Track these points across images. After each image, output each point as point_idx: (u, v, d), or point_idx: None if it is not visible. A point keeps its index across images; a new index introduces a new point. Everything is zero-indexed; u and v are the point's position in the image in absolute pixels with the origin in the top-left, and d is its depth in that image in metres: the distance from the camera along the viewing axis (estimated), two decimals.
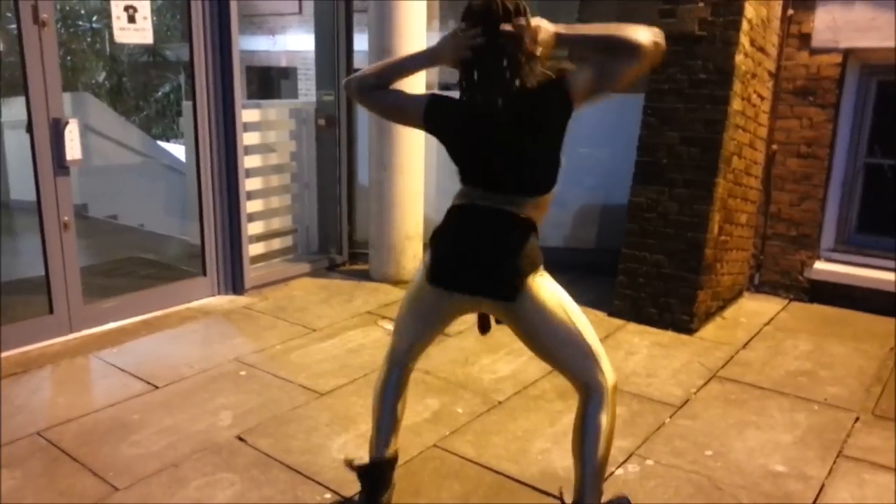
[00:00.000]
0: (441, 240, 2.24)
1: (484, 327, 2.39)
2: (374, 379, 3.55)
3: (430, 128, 2.27)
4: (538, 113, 2.09)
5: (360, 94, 2.32)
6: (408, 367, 2.47)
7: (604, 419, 2.20)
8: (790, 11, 4.72)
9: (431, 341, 2.47)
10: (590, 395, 2.22)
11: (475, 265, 2.17)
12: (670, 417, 3.27)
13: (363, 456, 2.52)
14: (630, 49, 2.01)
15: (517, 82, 2.07)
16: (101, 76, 12.10)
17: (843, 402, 3.44)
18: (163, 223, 7.14)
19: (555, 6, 6.64)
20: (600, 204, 5.64)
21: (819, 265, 4.91)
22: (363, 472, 2.46)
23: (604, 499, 2.30)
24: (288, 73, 12.43)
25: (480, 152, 2.17)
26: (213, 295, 4.78)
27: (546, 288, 2.19)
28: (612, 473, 2.79)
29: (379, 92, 2.28)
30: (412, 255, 5.20)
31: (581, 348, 2.22)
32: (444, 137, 2.24)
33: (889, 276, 4.67)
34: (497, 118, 2.10)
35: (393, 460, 2.48)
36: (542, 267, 2.20)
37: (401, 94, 2.30)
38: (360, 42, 5.31)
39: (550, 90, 2.09)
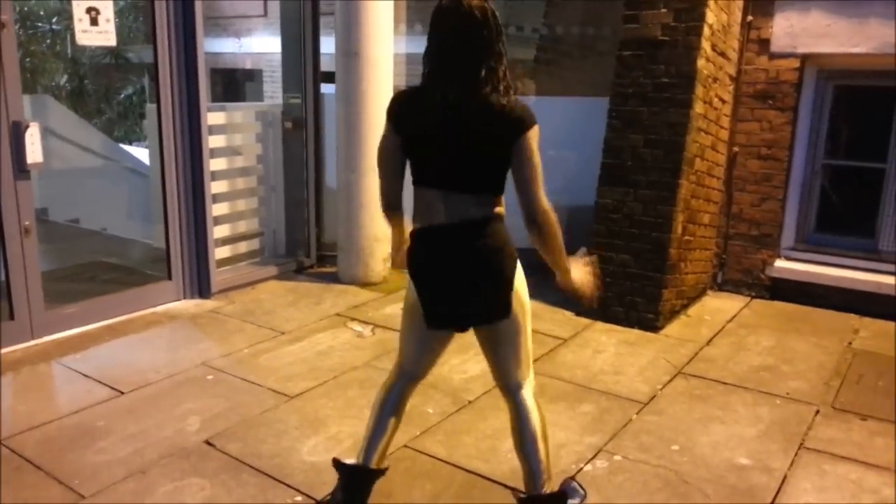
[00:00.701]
0: (422, 278, 2.22)
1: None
2: (345, 381, 3.57)
3: (395, 128, 2.20)
4: (496, 127, 2.08)
5: (391, 209, 2.36)
6: (416, 380, 2.45)
7: (537, 417, 2.31)
8: (750, 17, 4.84)
9: (436, 358, 2.44)
10: (525, 397, 2.31)
11: (468, 301, 2.19)
12: (637, 414, 3.32)
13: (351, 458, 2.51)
14: (525, 218, 2.14)
15: (492, 86, 2.07)
16: (62, 79, 11.87)
17: (804, 395, 3.53)
18: (126, 227, 7.02)
19: (522, 6, 6.72)
20: (567, 205, 5.68)
21: (780, 263, 5.03)
22: (345, 471, 2.44)
23: (555, 487, 2.39)
24: (253, 76, 12.32)
25: (436, 146, 2.13)
26: (179, 299, 4.72)
27: (519, 292, 2.24)
28: (580, 469, 2.83)
29: (387, 196, 2.34)
30: (380, 258, 5.20)
31: (527, 354, 2.33)
32: (402, 132, 2.19)
33: (846, 273, 4.81)
34: (459, 112, 2.07)
35: (377, 473, 2.44)
36: (516, 258, 2.23)
37: (381, 157, 2.29)
38: (327, 44, 5.30)
39: (516, 116, 2.08)
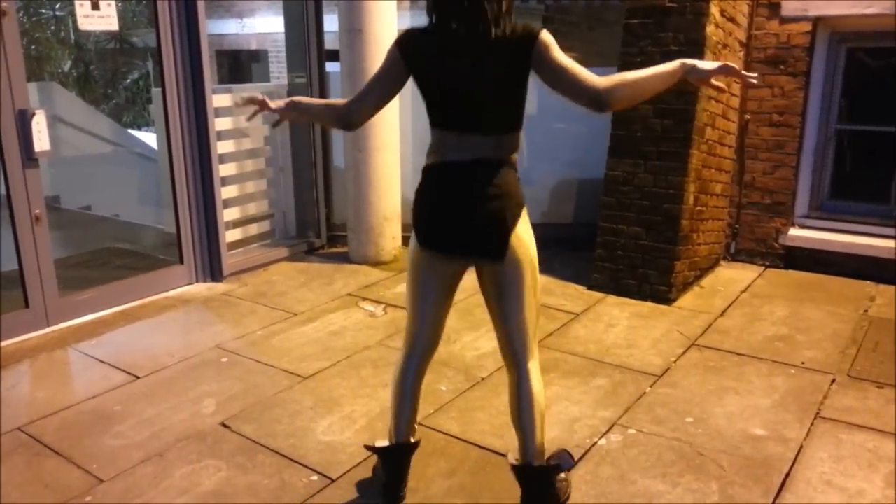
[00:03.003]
0: (426, 203, 2.23)
1: None
2: (358, 360, 3.58)
3: (410, 68, 2.18)
4: (503, 52, 2.08)
5: (355, 125, 2.32)
6: (428, 352, 2.43)
7: (540, 391, 2.31)
8: None
9: (445, 316, 2.41)
10: (527, 366, 2.30)
11: (466, 228, 2.18)
12: (651, 387, 3.31)
13: (382, 440, 2.53)
14: (596, 107, 2.09)
15: (494, 18, 2.06)
16: (68, 65, 11.87)
17: (819, 364, 3.51)
18: (137, 212, 7.04)
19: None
20: (576, 178, 5.66)
21: (793, 232, 4.97)
22: (381, 453, 2.47)
23: (547, 456, 2.40)
24: (259, 56, 12.27)
25: (452, 84, 2.13)
26: (192, 283, 4.75)
27: (525, 243, 2.22)
28: (595, 444, 2.83)
29: (360, 103, 2.28)
30: (391, 236, 5.19)
31: (533, 318, 2.30)
32: (417, 71, 2.18)
33: (861, 240, 4.75)
34: (470, 50, 2.08)
35: (413, 446, 2.48)
36: (524, 207, 2.23)
37: (372, 81, 2.26)
38: (331, 22, 5.25)
39: (519, 34, 2.08)
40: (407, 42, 2.18)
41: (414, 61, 2.17)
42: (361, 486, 2.60)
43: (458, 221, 2.18)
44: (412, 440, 2.47)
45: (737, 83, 4.78)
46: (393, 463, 2.48)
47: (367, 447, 2.52)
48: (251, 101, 2.35)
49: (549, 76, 2.10)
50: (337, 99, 2.33)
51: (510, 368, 2.35)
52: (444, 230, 2.21)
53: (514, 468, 2.35)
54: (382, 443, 2.49)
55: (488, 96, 2.12)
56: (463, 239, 2.20)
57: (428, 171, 2.24)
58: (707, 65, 2.10)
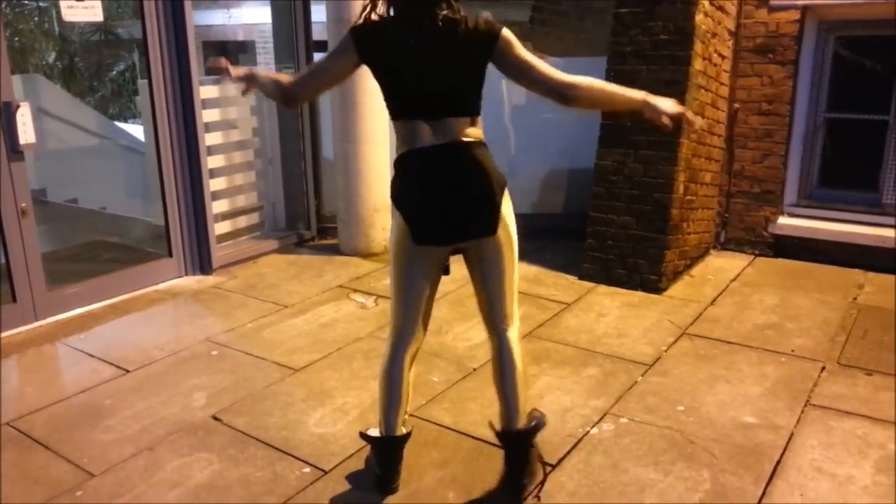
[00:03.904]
0: (410, 198, 2.23)
1: (447, 269, 2.42)
2: (349, 352, 3.58)
3: (366, 59, 2.23)
4: (466, 44, 2.15)
5: (293, 103, 2.41)
6: (415, 342, 2.43)
7: (521, 358, 2.41)
8: None
9: (432, 303, 2.43)
10: (511, 338, 2.40)
11: (457, 214, 2.21)
12: (642, 376, 3.32)
13: (374, 428, 2.56)
14: (560, 99, 2.19)
15: (443, 7, 2.13)
16: (52, 57, 11.73)
17: (809, 352, 3.53)
18: (125, 205, 6.99)
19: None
20: (566, 168, 5.66)
21: (783, 220, 4.99)
22: (374, 442, 2.50)
23: (525, 423, 2.48)
24: (246, 47, 12.16)
25: (413, 74, 2.17)
26: (181, 276, 4.72)
27: (507, 224, 2.30)
28: (587, 433, 2.84)
29: (302, 84, 2.35)
30: (381, 227, 5.18)
31: (513, 293, 2.40)
32: (376, 65, 2.22)
33: (850, 228, 4.77)
34: (427, 40, 2.13)
35: (404, 438, 2.48)
36: (505, 186, 2.29)
37: (320, 60, 2.32)
38: (318, 12, 5.21)
39: (483, 28, 2.15)
40: (364, 34, 2.21)
41: (372, 53, 2.21)
42: (354, 477, 2.59)
43: (449, 209, 2.20)
44: (404, 431, 2.47)
45: (725, 72, 4.79)
46: (385, 454, 2.48)
47: (362, 434, 2.54)
48: (216, 63, 2.42)
49: (512, 71, 2.21)
50: (284, 75, 2.39)
51: (492, 336, 2.43)
52: (437, 223, 2.22)
53: (500, 435, 2.44)
54: (375, 432, 2.50)
55: (455, 82, 2.19)
56: (457, 225, 2.22)
57: (404, 161, 2.24)
58: (664, 104, 2.21)
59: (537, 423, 2.56)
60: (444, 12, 2.13)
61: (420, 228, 2.23)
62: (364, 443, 2.63)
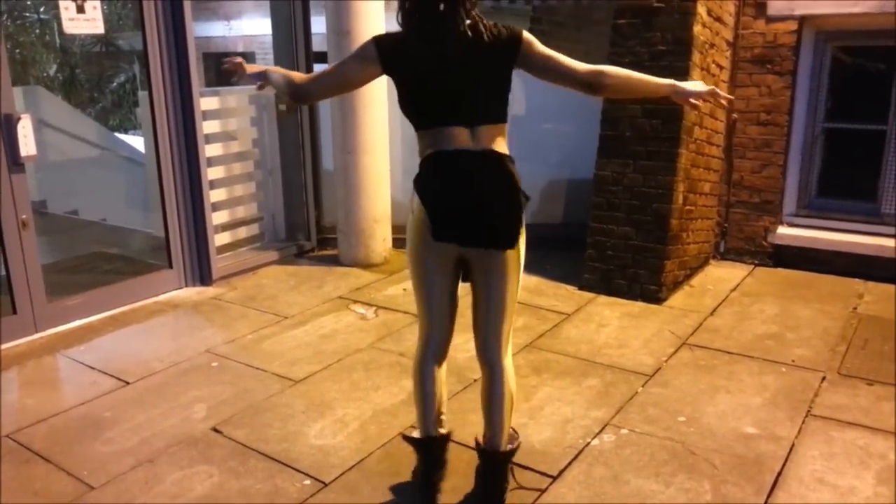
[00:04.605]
0: (439, 192, 2.21)
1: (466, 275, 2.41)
2: (349, 364, 3.57)
3: (389, 71, 2.23)
4: (491, 51, 2.18)
5: (302, 99, 2.41)
6: (444, 343, 2.44)
7: (513, 383, 2.42)
8: None
9: (456, 302, 2.42)
10: (506, 364, 2.40)
11: (481, 219, 2.21)
12: (643, 386, 3.32)
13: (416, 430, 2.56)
14: (589, 89, 2.27)
15: (465, 17, 2.15)
16: (53, 69, 11.77)
17: (809, 362, 3.53)
18: (125, 216, 6.99)
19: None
20: (566, 179, 5.67)
21: (782, 230, 5.00)
22: (416, 444, 2.49)
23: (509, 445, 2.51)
24: (246, 59, 12.19)
25: (444, 84, 2.17)
26: (181, 287, 4.72)
27: (520, 240, 2.30)
28: (588, 444, 2.83)
29: (316, 83, 2.33)
30: (381, 238, 5.19)
31: (513, 311, 2.38)
32: (403, 77, 2.22)
33: (849, 237, 4.78)
34: (454, 49, 2.14)
35: (444, 438, 2.50)
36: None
37: (338, 64, 2.29)
38: (318, 24, 5.23)
39: (506, 34, 2.20)
40: (387, 45, 2.21)
41: (396, 65, 2.21)
42: (354, 489, 2.59)
43: (476, 212, 2.20)
44: (442, 432, 2.49)
45: (723, 82, 4.81)
46: (425, 455, 2.49)
47: (404, 436, 2.55)
48: (231, 63, 2.45)
49: (540, 69, 2.25)
50: (297, 73, 2.39)
51: (485, 363, 2.41)
52: (460, 222, 2.21)
53: (482, 451, 2.46)
54: (416, 433, 2.52)
55: (485, 89, 2.20)
56: (479, 230, 2.22)
57: (437, 159, 2.21)
58: (693, 86, 2.35)
59: (518, 445, 2.59)
60: (468, 21, 2.15)
61: (442, 224, 2.21)
62: (364, 454, 2.63)
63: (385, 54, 2.20)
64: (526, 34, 2.23)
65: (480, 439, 2.49)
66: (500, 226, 2.23)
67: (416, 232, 2.29)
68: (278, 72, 2.39)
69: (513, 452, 2.53)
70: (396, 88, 2.26)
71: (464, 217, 2.20)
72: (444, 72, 2.16)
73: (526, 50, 2.21)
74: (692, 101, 2.32)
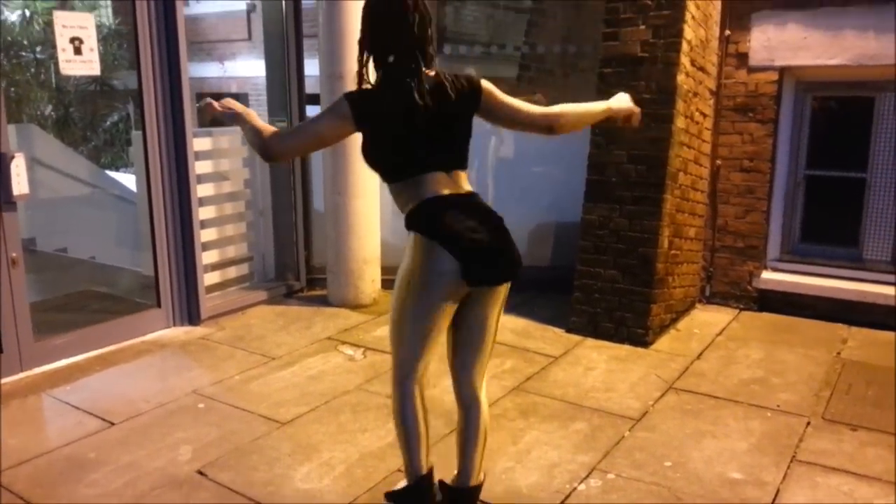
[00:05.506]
0: (461, 234, 2.21)
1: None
2: (336, 406, 3.56)
3: (362, 127, 2.26)
4: (456, 101, 2.26)
5: (273, 159, 2.32)
6: (423, 376, 2.45)
7: (488, 420, 2.52)
8: (727, 32, 4.91)
9: (438, 345, 2.43)
10: (483, 403, 2.49)
11: (502, 255, 2.30)
12: (630, 430, 3.33)
13: (400, 482, 2.59)
14: (549, 132, 2.42)
15: (428, 67, 2.25)
16: (48, 107, 11.84)
17: (794, 407, 3.55)
18: (114, 255, 6.98)
19: (503, 24, 6.79)
20: (554, 222, 5.73)
21: (766, 275, 5.07)
22: (407, 495, 2.50)
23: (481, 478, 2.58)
24: (239, 100, 12.32)
25: (421, 130, 2.24)
26: (169, 326, 4.71)
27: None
28: (574, 489, 2.83)
29: (286, 142, 2.32)
30: (370, 280, 5.21)
31: (489, 355, 2.48)
32: (377, 129, 2.27)
33: (833, 283, 4.85)
34: (425, 98, 2.21)
35: (430, 474, 2.52)
36: None
37: (309, 122, 2.32)
38: (311, 66, 5.33)
39: (466, 85, 2.30)
40: (359, 101, 2.24)
41: (370, 119, 2.25)
42: None
43: (500, 250, 2.30)
44: (430, 468, 2.51)
45: (707, 130, 4.92)
46: (420, 496, 2.49)
47: (387, 495, 2.58)
48: (205, 105, 2.40)
49: (499, 118, 2.39)
50: (267, 126, 2.30)
51: (464, 400, 2.47)
52: (491, 260, 2.28)
53: (451, 490, 2.51)
54: (400, 485, 2.52)
55: (454, 138, 2.31)
56: (504, 265, 2.32)
57: (432, 204, 2.25)
58: (622, 103, 2.58)
59: (484, 478, 2.62)
60: (432, 74, 2.25)
61: (475, 266, 2.23)
62: (351, 498, 2.61)
63: (358, 110, 2.22)
64: (485, 83, 2.33)
65: (448, 481, 2.54)
66: (518, 259, 2.34)
67: (422, 275, 2.27)
68: (252, 121, 2.29)
69: (481, 486, 2.58)
70: (367, 143, 2.30)
71: (492, 256, 2.27)
72: (419, 120, 2.22)
73: (487, 98, 2.32)
74: (632, 121, 2.56)
